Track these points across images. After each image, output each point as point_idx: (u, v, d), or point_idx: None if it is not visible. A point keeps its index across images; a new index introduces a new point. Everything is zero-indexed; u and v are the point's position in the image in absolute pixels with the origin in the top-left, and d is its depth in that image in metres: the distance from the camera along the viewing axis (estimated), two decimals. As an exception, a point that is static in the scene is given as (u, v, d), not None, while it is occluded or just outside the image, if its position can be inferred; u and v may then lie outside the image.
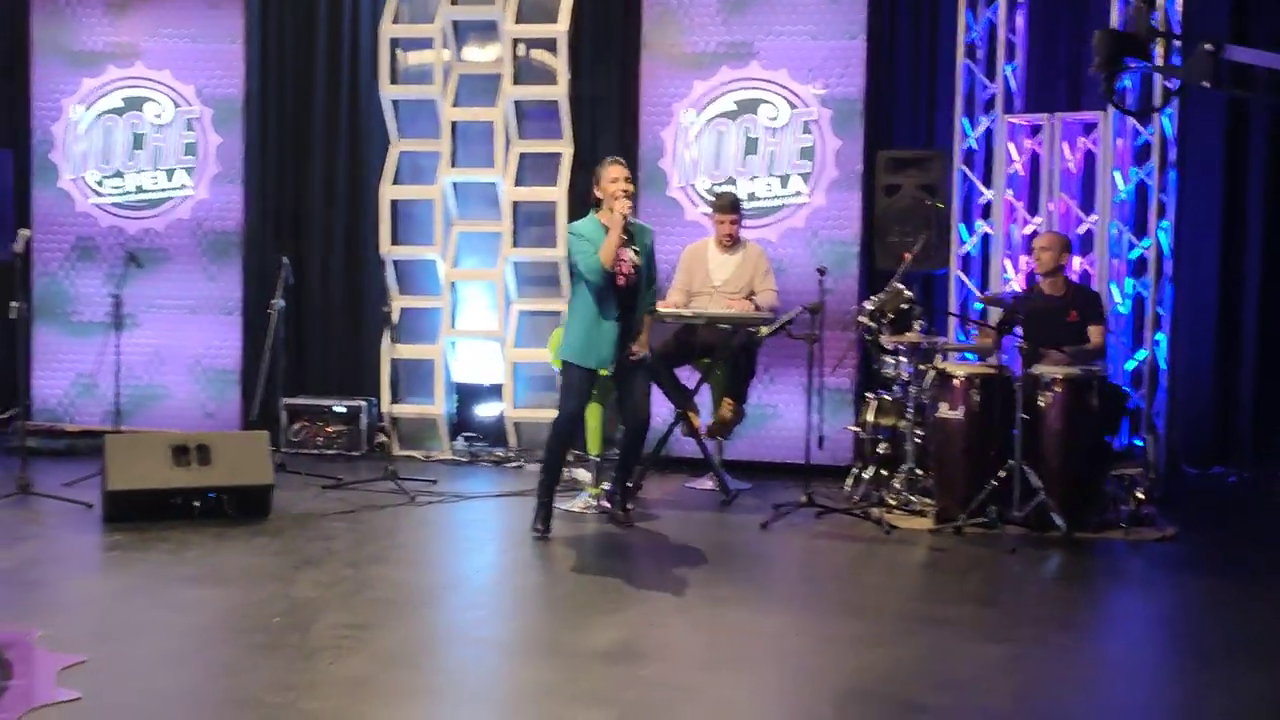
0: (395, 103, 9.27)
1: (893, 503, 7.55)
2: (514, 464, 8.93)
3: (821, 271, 7.66)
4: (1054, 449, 7.12)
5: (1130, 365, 8.40)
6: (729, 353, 7.97)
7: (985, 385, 7.26)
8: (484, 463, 9.01)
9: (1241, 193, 8.96)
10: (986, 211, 8.66)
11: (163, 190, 9.55)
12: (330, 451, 9.17)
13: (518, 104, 9.13)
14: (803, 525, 7.21)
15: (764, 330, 7.81)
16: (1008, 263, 8.60)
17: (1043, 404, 7.16)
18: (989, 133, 8.65)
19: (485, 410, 9.44)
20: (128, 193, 9.58)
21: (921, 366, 7.64)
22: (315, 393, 9.53)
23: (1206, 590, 6.21)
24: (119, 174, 9.59)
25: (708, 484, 8.29)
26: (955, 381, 7.32)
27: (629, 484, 7.28)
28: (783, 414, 8.81)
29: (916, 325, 7.65)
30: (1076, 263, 8.42)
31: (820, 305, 7.49)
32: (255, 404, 8.38)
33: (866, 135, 8.78)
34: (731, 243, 8.23)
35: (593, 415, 7.67)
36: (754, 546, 6.84)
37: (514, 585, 6.11)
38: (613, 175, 6.73)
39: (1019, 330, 7.34)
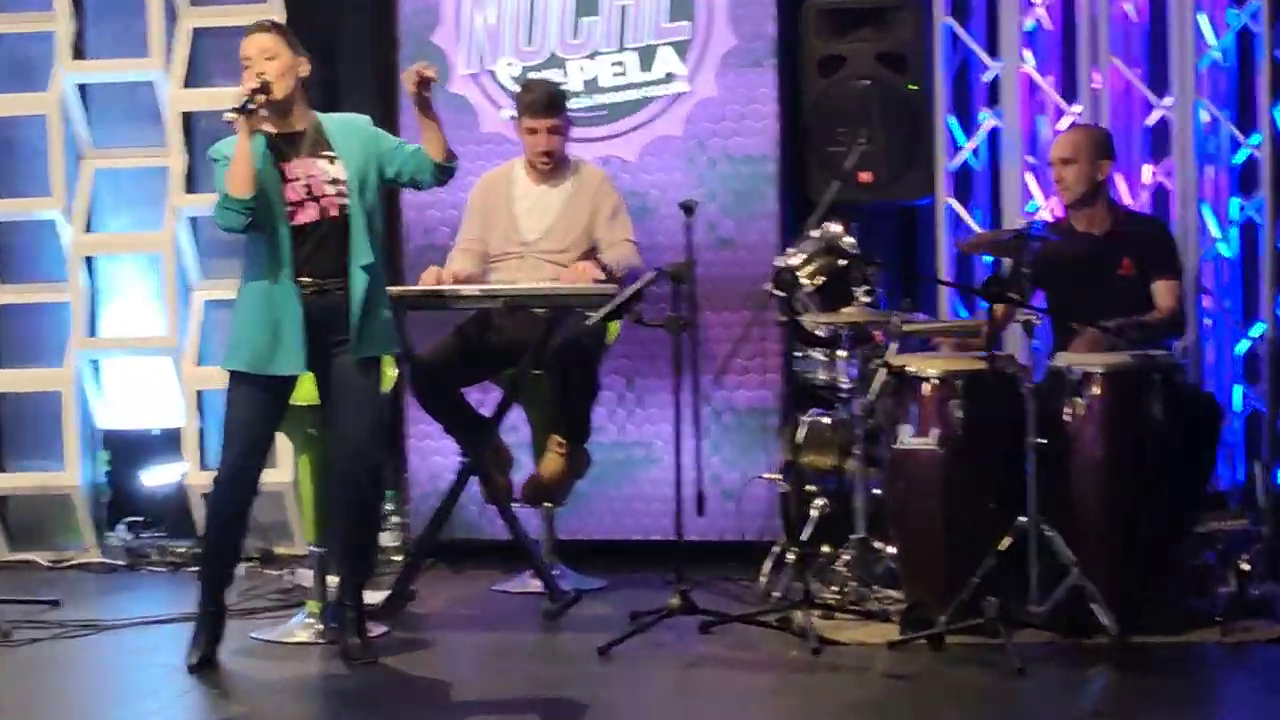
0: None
1: (833, 600, 7.49)
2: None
3: (688, 209, 7.48)
4: (1094, 494, 7.09)
5: (1242, 347, 8.51)
6: (552, 357, 7.93)
7: (974, 391, 7.16)
8: (154, 566, 8.96)
9: None
10: (994, 94, 8.69)
11: None
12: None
13: (188, -56, 9.29)
14: (676, 648, 7.19)
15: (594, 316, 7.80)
16: (1031, 179, 8.60)
17: (1072, 419, 7.11)
18: (988, -38, 8.87)
19: (157, 476, 9.33)
20: None
21: (873, 364, 7.62)
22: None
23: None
24: None
25: (530, 584, 8.25)
26: (925, 387, 7.25)
27: (361, 596, 7.19)
28: (661, 456, 8.78)
29: (862, 294, 7.57)
30: (1148, 174, 8.52)
31: (687, 267, 7.41)
32: None
33: (781, -25, 8.91)
34: (550, 167, 8.27)
35: (306, 477, 7.64)
36: (587, 690, 6.72)
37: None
38: (244, 51, 7.00)
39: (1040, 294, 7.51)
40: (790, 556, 7.57)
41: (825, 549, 7.71)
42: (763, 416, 8.69)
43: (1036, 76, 8.61)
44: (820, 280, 7.57)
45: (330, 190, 6.91)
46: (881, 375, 7.53)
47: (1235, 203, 8.42)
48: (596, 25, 8.83)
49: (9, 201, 9.28)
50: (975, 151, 8.73)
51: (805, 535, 7.75)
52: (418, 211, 9.01)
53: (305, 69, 7.00)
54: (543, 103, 8.20)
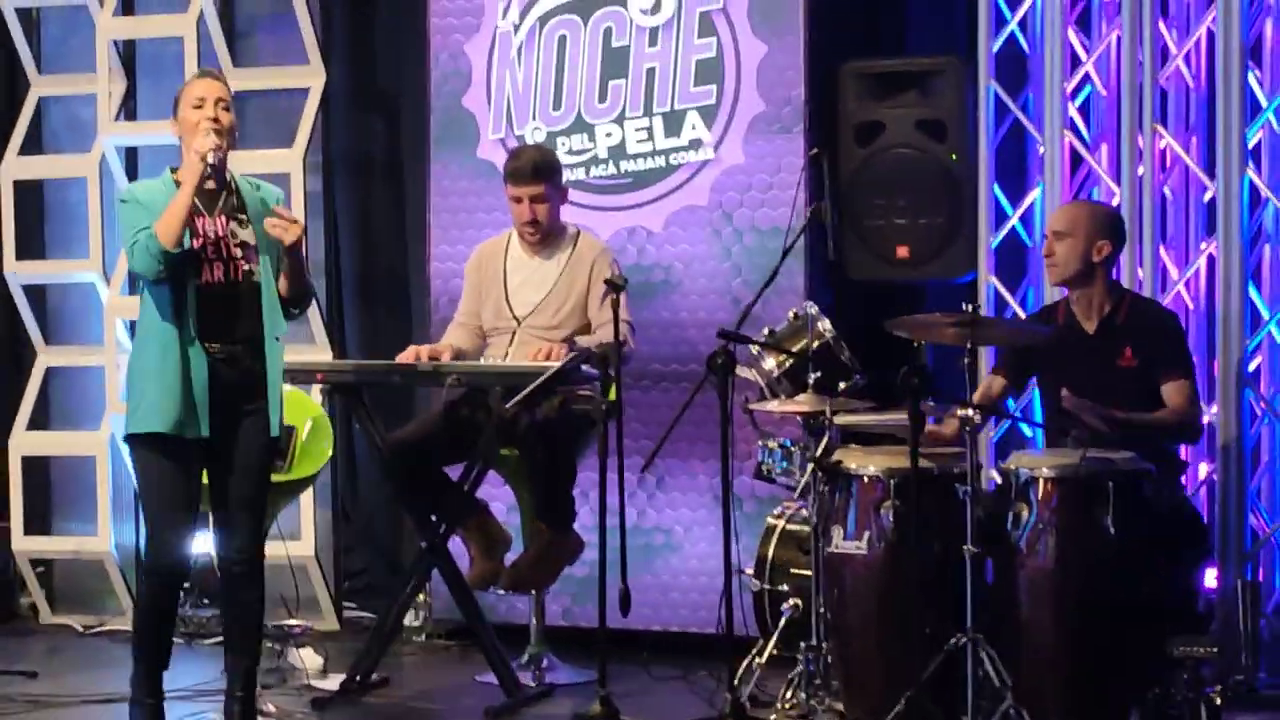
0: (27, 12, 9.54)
1: (786, 712, 7.20)
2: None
3: (615, 286, 7.24)
4: (1040, 613, 6.69)
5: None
6: (521, 438, 7.65)
7: (910, 492, 6.76)
8: (193, 635, 8.75)
9: None
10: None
11: None
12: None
13: (230, 12, 9.47)
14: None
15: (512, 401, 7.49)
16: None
17: (1016, 527, 6.74)
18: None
19: (201, 542, 8.82)
20: None
21: (806, 457, 7.36)
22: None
23: None
24: None
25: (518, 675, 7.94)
26: (858, 484, 6.97)
27: (251, 683, 6.94)
28: (681, 544, 8.59)
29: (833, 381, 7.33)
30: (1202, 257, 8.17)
31: (614, 349, 7.17)
32: None
33: (811, 36, 8.45)
34: (538, 238, 7.92)
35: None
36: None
37: None
38: (195, 96, 6.72)
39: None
40: (759, 660, 7.44)
41: (798, 652, 7.32)
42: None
43: (1082, 149, 8.11)
44: (788, 364, 7.33)
45: (232, 249, 6.66)
46: (809, 469, 7.19)
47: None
48: (624, 88, 8.55)
49: (50, 263, 9.49)
50: (1026, 224, 8.31)
51: (775, 637, 7.49)
52: (444, 281, 8.84)
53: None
54: (527, 169, 7.81)
